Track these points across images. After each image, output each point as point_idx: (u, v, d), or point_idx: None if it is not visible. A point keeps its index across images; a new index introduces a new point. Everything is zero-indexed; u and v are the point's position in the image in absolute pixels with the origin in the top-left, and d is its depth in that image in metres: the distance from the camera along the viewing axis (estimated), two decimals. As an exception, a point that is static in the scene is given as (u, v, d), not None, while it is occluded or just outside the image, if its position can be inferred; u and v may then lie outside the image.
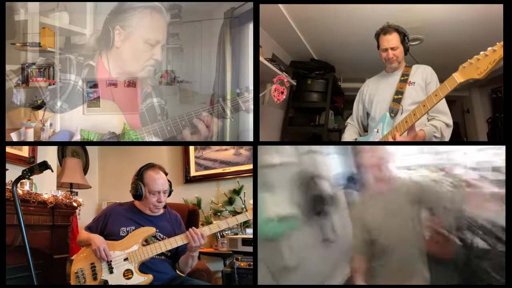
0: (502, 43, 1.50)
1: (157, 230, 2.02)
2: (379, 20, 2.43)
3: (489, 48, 1.51)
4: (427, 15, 2.80)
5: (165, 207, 2.19)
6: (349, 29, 3.09)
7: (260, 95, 2.46)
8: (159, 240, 2.00)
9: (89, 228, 2.07)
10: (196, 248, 1.93)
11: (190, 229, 1.92)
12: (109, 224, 2.05)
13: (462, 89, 4.74)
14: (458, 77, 1.62)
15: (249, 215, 2.02)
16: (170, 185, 2.14)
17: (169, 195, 2.15)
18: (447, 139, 2.07)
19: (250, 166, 3.56)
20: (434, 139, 2.01)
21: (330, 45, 3.58)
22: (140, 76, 2.30)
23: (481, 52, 1.54)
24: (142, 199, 2.07)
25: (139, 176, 2.08)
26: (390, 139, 2.00)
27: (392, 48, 2.23)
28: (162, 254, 2.00)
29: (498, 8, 2.15)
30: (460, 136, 4.96)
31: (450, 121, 2.11)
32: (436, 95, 1.72)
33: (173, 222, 2.13)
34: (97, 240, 1.92)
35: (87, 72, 2.26)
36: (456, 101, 5.17)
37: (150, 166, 2.12)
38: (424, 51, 3.22)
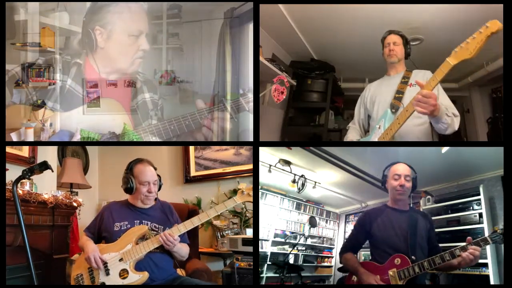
0: (487, 23, 1.60)
1: (150, 222, 2.10)
2: (379, 20, 2.44)
3: (476, 31, 1.63)
4: (427, 15, 2.80)
5: (156, 199, 2.23)
6: (349, 29, 3.09)
7: (260, 95, 2.46)
8: (154, 231, 2.07)
9: (88, 229, 2.15)
10: (172, 249, 1.99)
11: (161, 234, 1.97)
12: (105, 221, 2.12)
13: (462, 89, 4.74)
14: (451, 60, 1.72)
15: (237, 199, 2.08)
16: (160, 179, 2.20)
17: (159, 189, 2.20)
18: (456, 126, 2.07)
19: (250, 166, 3.56)
20: (446, 117, 1.97)
21: (330, 45, 3.58)
22: (130, 71, 2.30)
23: (470, 36, 1.65)
24: (133, 192, 2.13)
25: (129, 170, 2.16)
26: (394, 130, 2.02)
27: (394, 43, 2.34)
28: (159, 247, 2.03)
29: (498, 8, 2.15)
30: (460, 136, 4.96)
31: (456, 112, 2.12)
32: (433, 80, 1.79)
33: (166, 210, 2.19)
34: (89, 248, 1.96)
35: (75, 71, 2.26)
36: (456, 101, 5.14)
37: (138, 160, 2.19)
38: (424, 51, 3.22)
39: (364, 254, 2.88)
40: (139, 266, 1.93)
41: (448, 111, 2.03)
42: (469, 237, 1.67)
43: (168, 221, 2.14)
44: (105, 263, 1.91)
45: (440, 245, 1.93)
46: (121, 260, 1.92)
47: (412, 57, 2.42)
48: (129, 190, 2.14)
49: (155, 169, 2.20)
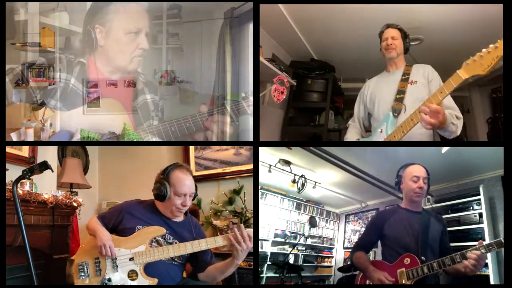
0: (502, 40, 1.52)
1: (173, 237, 1.92)
2: (379, 20, 2.43)
3: (491, 45, 1.54)
4: (427, 15, 2.80)
5: (186, 213, 2.04)
6: (349, 29, 3.09)
7: (260, 95, 2.46)
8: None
9: (103, 218, 1.96)
10: (243, 253, 1.77)
11: (234, 228, 1.78)
12: (125, 220, 1.92)
13: (462, 89, 4.74)
14: (462, 74, 1.63)
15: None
16: (196, 189, 1.99)
17: (193, 199, 2.00)
18: (459, 131, 2.06)
19: (250, 166, 3.56)
20: (452, 126, 1.97)
21: (330, 45, 3.58)
22: (130, 69, 2.30)
23: (483, 49, 1.56)
24: (165, 200, 1.90)
25: (165, 176, 1.92)
26: (397, 138, 2.01)
27: (392, 37, 2.28)
28: (176, 261, 1.92)
29: (498, 8, 2.16)
30: (460, 136, 4.95)
31: (459, 114, 2.11)
32: (441, 92, 1.73)
33: (194, 231, 1.98)
34: (104, 236, 1.82)
35: (78, 70, 2.26)
36: (456, 101, 5.16)
37: (177, 166, 1.96)
38: (424, 51, 3.22)
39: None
40: (150, 271, 1.83)
41: (453, 117, 2.01)
42: (480, 240, 1.66)
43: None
44: (114, 259, 1.81)
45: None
46: (131, 259, 1.82)
47: (411, 54, 2.40)
48: (160, 197, 1.90)
49: (193, 176, 1.99)
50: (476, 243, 1.64)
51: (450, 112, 2.02)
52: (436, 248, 1.82)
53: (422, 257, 1.73)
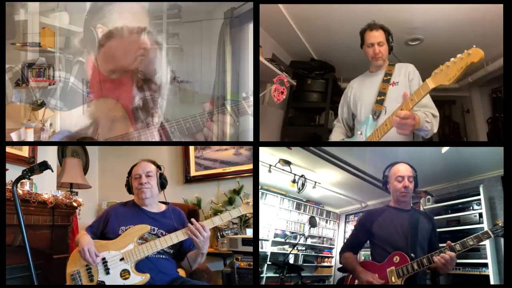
0: (469, 51, 1.51)
1: (158, 228, 2.01)
2: (379, 20, 2.43)
3: (458, 55, 1.54)
4: (427, 15, 2.80)
5: (167, 203, 2.18)
6: (349, 29, 3.08)
7: (260, 95, 2.46)
8: (160, 237, 1.98)
9: (91, 228, 2.07)
10: (203, 243, 1.90)
11: (189, 223, 1.91)
12: (109, 223, 2.04)
13: (462, 89, 4.74)
14: (430, 83, 1.66)
15: (242, 210, 2.02)
16: (161, 177, 2.16)
17: (162, 187, 2.15)
18: (435, 129, 2.05)
19: (250, 166, 3.56)
20: (426, 124, 1.97)
21: (330, 45, 3.57)
22: (132, 68, 2.30)
23: (452, 59, 1.56)
24: (131, 191, 2.15)
25: (129, 174, 2.19)
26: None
27: (378, 44, 2.22)
28: (165, 253, 1.98)
29: (498, 8, 2.16)
30: (460, 136, 4.96)
31: (436, 112, 2.08)
32: (411, 100, 1.74)
33: (176, 219, 2.09)
34: (83, 241, 1.90)
35: (77, 69, 2.28)
36: (456, 101, 5.16)
37: (137, 163, 2.20)
38: (424, 51, 3.22)
39: (364, 254, 2.88)
40: (141, 270, 1.88)
41: (428, 116, 2.00)
42: (448, 241, 1.66)
43: (176, 230, 1.99)
44: (105, 262, 1.86)
45: (440, 245, 1.93)
46: (122, 259, 1.87)
47: (411, 57, 2.40)
48: (129, 191, 2.17)
49: (159, 167, 2.18)
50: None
51: (425, 111, 2.01)
52: (426, 247, 1.81)
53: (412, 254, 1.72)
